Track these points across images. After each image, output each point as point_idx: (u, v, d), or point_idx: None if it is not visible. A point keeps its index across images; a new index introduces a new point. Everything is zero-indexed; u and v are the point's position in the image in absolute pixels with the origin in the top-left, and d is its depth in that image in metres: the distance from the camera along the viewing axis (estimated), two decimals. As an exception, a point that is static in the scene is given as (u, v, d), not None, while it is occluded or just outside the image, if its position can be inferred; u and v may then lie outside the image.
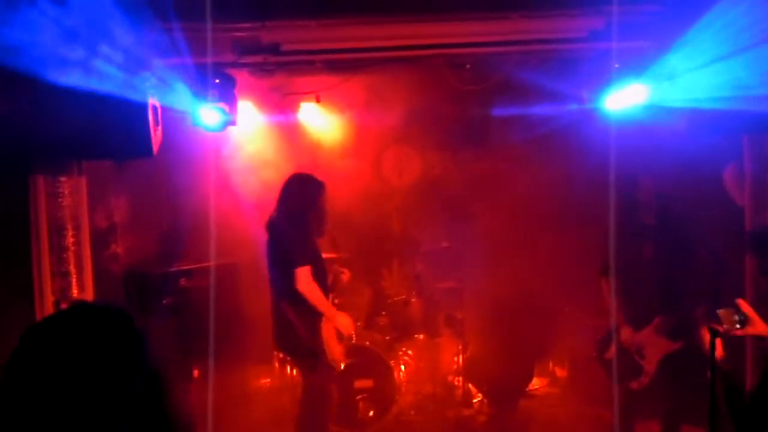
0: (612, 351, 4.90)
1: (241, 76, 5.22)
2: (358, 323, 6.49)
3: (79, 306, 1.61)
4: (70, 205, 4.52)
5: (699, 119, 4.81)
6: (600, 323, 5.31)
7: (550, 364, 7.24)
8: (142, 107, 4.14)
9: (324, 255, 5.17)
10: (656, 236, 4.80)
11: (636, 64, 4.86)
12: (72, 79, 3.82)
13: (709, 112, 4.60)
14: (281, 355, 6.85)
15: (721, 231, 4.94)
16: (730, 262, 4.73)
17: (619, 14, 4.62)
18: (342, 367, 5.13)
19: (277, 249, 4.90)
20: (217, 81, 4.79)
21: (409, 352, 6.69)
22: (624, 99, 5.03)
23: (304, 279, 4.74)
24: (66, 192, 4.50)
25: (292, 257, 4.77)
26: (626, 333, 4.85)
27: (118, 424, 1.39)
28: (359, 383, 5.98)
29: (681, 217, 4.81)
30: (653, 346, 4.78)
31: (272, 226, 4.97)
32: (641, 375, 4.79)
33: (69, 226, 4.52)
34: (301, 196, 4.95)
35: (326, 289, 4.97)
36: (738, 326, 3.03)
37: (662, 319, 4.75)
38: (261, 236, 5.13)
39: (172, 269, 6.30)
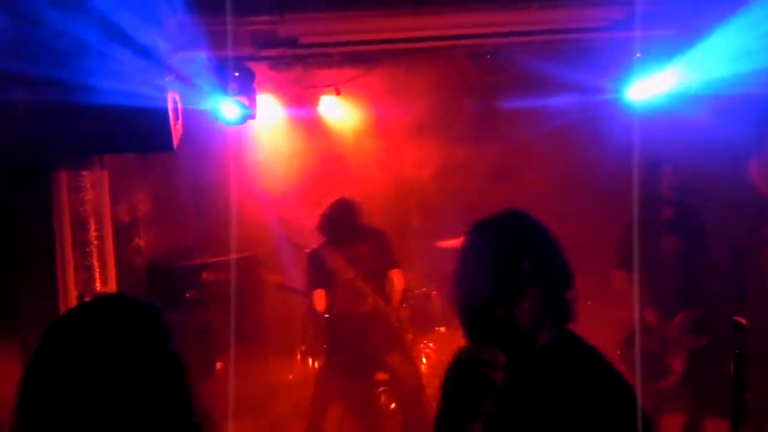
0: (636, 351, 4.82)
1: (261, 70, 5.23)
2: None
3: (104, 298, 1.62)
4: (92, 199, 4.56)
5: (723, 109, 4.74)
6: (622, 315, 5.24)
7: (573, 357, 7.17)
8: (162, 101, 4.17)
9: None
10: (675, 230, 4.72)
11: (659, 53, 4.78)
12: (93, 74, 3.85)
13: (734, 101, 4.53)
14: (303, 348, 6.89)
15: (745, 223, 4.86)
16: (753, 254, 4.65)
17: (642, 3, 4.55)
18: None
19: None
20: (237, 74, 4.80)
21: (430, 344, 6.67)
22: (646, 89, 4.96)
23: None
24: (88, 186, 4.54)
25: None
26: (649, 331, 4.77)
27: (141, 414, 1.39)
28: (380, 376, 5.98)
29: (701, 210, 4.73)
30: (678, 343, 4.70)
31: None
32: (669, 374, 4.72)
33: (92, 220, 4.56)
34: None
35: None
36: None
37: (685, 315, 4.67)
38: (280, 229, 5.18)
39: (195, 262, 6.34)
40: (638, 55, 4.84)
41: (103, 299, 1.62)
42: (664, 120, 5.04)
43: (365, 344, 5.27)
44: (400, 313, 5.60)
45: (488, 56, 5.38)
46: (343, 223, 5.32)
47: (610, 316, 5.95)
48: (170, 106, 4.22)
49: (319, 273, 5.30)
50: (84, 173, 4.50)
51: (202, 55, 4.50)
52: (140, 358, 1.42)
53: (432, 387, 6.52)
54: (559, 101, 5.93)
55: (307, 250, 5.79)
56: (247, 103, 4.86)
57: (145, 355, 1.43)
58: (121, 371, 1.40)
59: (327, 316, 5.48)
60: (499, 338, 1.74)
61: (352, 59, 5.40)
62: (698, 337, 4.68)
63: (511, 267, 1.82)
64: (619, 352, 5.01)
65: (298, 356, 6.88)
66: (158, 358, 1.44)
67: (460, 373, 1.66)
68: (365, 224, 5.50)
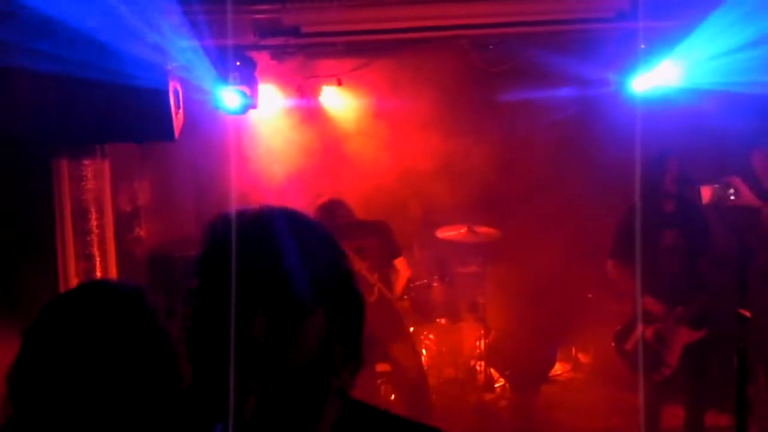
0: (631, 342, 4.82)
1: (262, 59, 5.20)
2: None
3: (88, 283, 1.63)
4: (93, 188, 4.55)
5: (727, 101, 4.71)
6: (623, 309, 5.24)
7: (573, 350, 7.19)
8: (164, 90, 4.15)
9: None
10: (676, 224, 4.69)
11: (663, 45, 4.76)
12: (94, 63, 3.83)
13: (738, 94, 4.50)
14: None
15: (748, 216, 4.84)
16: (756, 248, 4.62)
17: (646, -7, 4.53)
18: None
19: None
20: (238, 64, 4.78)
21: (431, 336, 6.67)
22: (651, 81, 4.94)
23: None
24: (89, 175, 4.53)
25: None
26: (650, 321, 4.77)
27: (126, 392, 1.40)
28: (380, 367, 5.98)
29: (696, 203, 4.69)
30: (675, 336, 4.70)
31: None
32: (663, 366, 4.72)
33: (92, 210, 4.56)
34: None
35: None
36: (732, 197, 3.72)
37: (684, 308, 4.67)
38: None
39: (196, 253, 6.30)
40: (643, 46, 4.81)
41: (87, 284, 1.63)
42: (668, 112, 5.01)
43: (369, 334, 5.27)
44: (404, 303, 5.61)
45: (491, 47, 5.35)
46: (337, 221, 5.33)
47: (610, 309, 5.96)
48: (171, 96, 4.20)
49: None
50: (85, 162, 4.49)
51: (204, 44, 4.47)
52: (122, 338, 1.44)
53: (432, 378, 6.53)
54: (562, 93, 5.91)
55: None
56: (248, 92, 4.84)
57: (127, 336, 1.44)
58: (105, 352, 1.40)
59: None
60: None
61: (354, 49, 5.37)
62: (696, 331, 4.67)
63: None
64: (614, 344, 5.02)
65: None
66: (140, 339, 1.45)
67: None
68: (365, 218, 5.52)
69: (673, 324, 4.69)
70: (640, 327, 4.77)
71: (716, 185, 4.00)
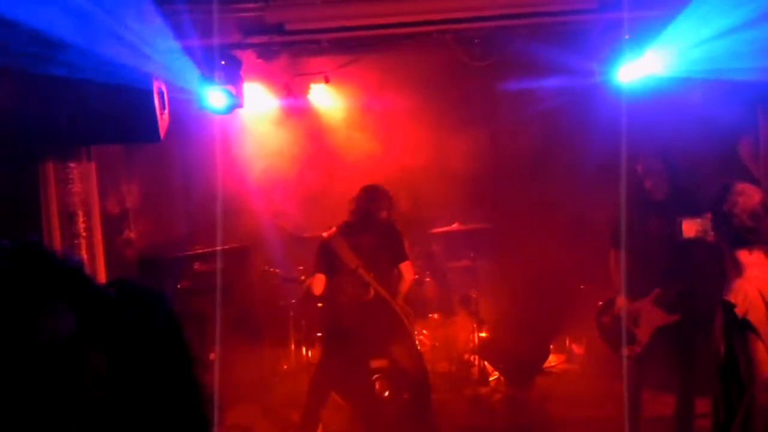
0: (608, 316, 5.04)
1: (249, 58, 5.18)
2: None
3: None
4: (80, 191, 4.52)
5: (713, 90, 4.72)
6: (611, 296, 5.27)
7: (567, 341, 7.20)
8: (148, 91, 4.13)
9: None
10: (663, 212, 4.72)
11: (648, 35, 4.76)
12: (77, 64, 3.81)
13: (724, 82, 4.51)
14: (296, 336, 6.88)
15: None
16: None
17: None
18: None
19: None
20: (223, 63, 4.76)
21: (424, 331, 6.68)
22: (635, 71, 4.94)
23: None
24: (76, 178, 4.50)
25: None
26: (623, 300, 4.88)
27: (152, 411, 1.36)
28: (375, 363, 5.98)
29: (691, 192, 4.72)
30: (648, 317, 4.81)
31: None
32: (633, 343, 4.85)
33: (80, 213, 4.53)
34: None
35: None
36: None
37: (661, 291, 4.75)
38: (272, 218, 5.17)
39: (186, 253, 6.32)
40: (627, 36, 4.81)
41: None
42: (654, 102, 5.02)
43: (366, 333, 5.29)
44: (407, 306, 5.59)
45: (477, 41, 5.33)
46: (361, 212, 5.33)
47: (604, 299, 5.97)
48: (156, 96, 4.18)
49: (326, 259, 5.32)
50: (71, 165, 4.46)
51: (188, 44, 4.45)
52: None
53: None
54: (549, 85, 5.91)
55: (306, 235, 5.81)
56: (233, 91, 4.82)
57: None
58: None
59: (327, 303, 5.50)
60: None
61: (340, 46, 5.34)
62: (671, 314, 4.75)
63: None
64: (594, 317, 5.22)
65: (292, 346, 6.88)
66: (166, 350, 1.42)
67: None
68: (381, 217, 5.44)
69: (650, 305, 4.77)
70: (618, 302, 4.87)
71: (699, 219, 3.93)
